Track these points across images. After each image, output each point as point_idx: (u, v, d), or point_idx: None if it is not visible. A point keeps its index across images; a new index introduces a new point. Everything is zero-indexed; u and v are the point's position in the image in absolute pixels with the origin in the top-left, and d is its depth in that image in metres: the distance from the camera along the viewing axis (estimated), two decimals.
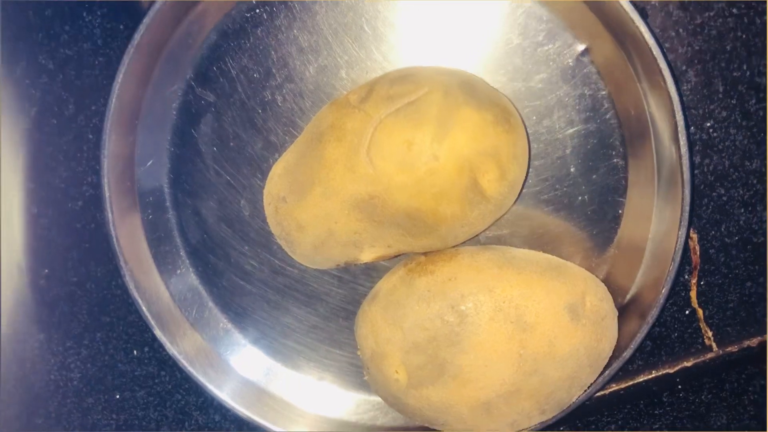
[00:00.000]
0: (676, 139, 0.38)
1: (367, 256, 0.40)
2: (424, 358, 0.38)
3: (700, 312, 0.45)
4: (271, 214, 0.40)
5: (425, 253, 0.40)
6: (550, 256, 0.41)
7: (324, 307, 0.45)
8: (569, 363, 0.38)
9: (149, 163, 0.44)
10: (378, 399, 0.45)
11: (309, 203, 0.38)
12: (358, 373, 0.46)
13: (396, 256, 0.41)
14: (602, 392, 0.46)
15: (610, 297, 0.40)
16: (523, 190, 0.42)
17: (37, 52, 0.44)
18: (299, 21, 0.42)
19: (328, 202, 0.37)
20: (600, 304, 0.39)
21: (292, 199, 0.38)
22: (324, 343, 0.46)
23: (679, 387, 0.46)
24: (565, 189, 0.42)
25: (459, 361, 0.38)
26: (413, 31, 0.41)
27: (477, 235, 0.41)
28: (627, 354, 0.41)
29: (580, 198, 0.42)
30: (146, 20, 0.39)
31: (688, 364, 0.45)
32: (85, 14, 0.43)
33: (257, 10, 0.42)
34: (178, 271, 0.45)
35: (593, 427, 0.47)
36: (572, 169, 0.42)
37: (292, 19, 0.42)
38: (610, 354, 0.40)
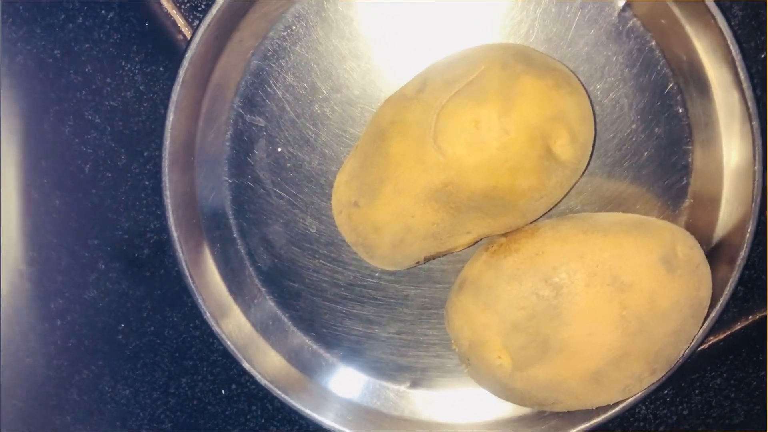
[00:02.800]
0: (735, 74, 0.38)
1: (446, 246, 0.39)
2: (526, 338, 0.37)
3: None
4: (344, 222, 0.40)
5: (504, 235, 0.39)
6: (630, 214, 0.40)
7: (405, 311, 0.45)
8: (673, 316, 0.37)
9: (211, 198, 0.44)
10: (480, 393, 0.44)
11: (382, 203, 0.38)
12: (451, 372, 0.45)
13: (475, 243, 0.40)
14: (702, 347, 0.45)
15: (698, 244, 0.39)
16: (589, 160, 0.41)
17: (83, 108, 0.44)
18: (336, 30, 0.42)
19: (402, 198, 0.37)
20: (691, 252, 0.38)
21: (364, 201, 0.38)
22: (411, 348, 0.45)
23: None
24: (629, 147, 0.42)
25: (562, 334, 0.37)
26: (449, 17, 0.41)
27: (552, 209, 0.40)
28: (723, 301, 0.41)
29: (645, 154, 0.42)
30: (188, 55, 0.40)
31: None
32: (123, 63, 0.44)
33: (293, 27, 0.42)
34: (255, 300, 0.45)
35: (698, 384, 0.46)
36: (633, 126, 0.42)
37: (328, 29, 0.42)
38: (709, 302, 0.39)
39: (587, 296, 0.37)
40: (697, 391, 0.46)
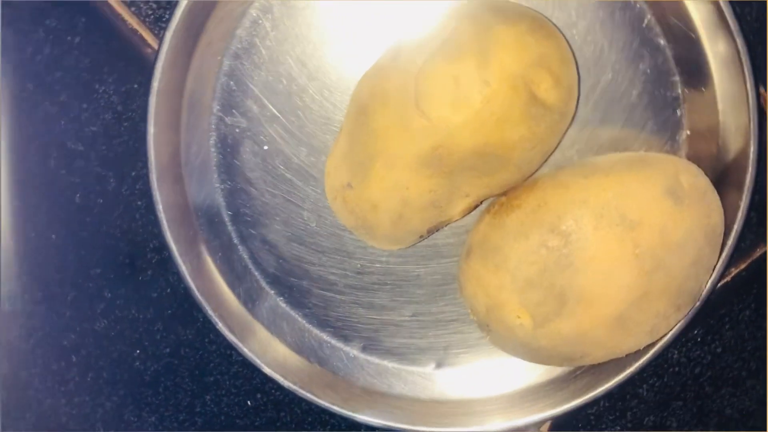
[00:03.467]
0: None
1: (447, 215, 0.38)
2: (542, 292, 0.36)
3: None
4: (341, 207, 0.39)
5: (504, 194, 0.39)
6: (628, 153, 0.39)
7: (418, 292, 0.44)
8: (687, 247, 0.36)
9: (205, 207, 0.43)
10: (506, 363, 0.43)
11: (375, 179, 0.37)
12: (473, 347, 0.44)
13: (476, 207, 0.39)
14: (725, 280, 0.44)
15: (702, 172, 0.38)
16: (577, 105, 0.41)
17: (64, 138, 0.44)
18: (303, 17, 0.41)
19: (394, 171, 0.36)
20: (696, 180, 0.37)
21: (357, 181, 0.38)
22: (430, 328, 0.44)
23: None
24: (616, 88, 0.41)
25: (578, 283, 0.36)
26: None
27: (549, 159, 0.39)
28: (738, 227, 0.40)
29: (634, 92, 0.41)
30: (158, 65, 0.39)
31: None
32: (97, 86, 0.43)
33: (260, 22, 0.41)
34: (266, 304, 0.44)
35: (727, 319, 0.45)
36: (617, 67, 0.41)
37: (295, 18, 0.41)
38: (723, 228, 0.38)
39: (597, 240, 0.36)
40: (727, 326, 0.45)
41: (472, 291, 0.38)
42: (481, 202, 0.39)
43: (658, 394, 0.46)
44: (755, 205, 0.43)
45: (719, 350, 0.45)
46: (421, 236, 0.40)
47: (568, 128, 0.38)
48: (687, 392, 0.46)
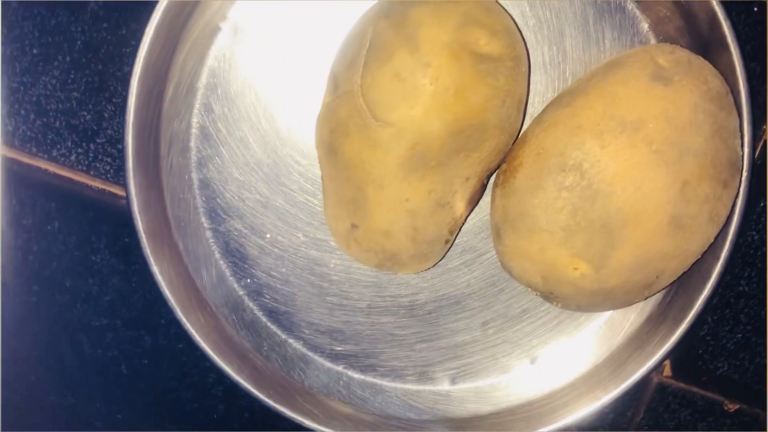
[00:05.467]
0: None
1: (458, 208, 0.37)
2: (585, 233, 0.34)
3: None
4: (357, 250, 0.38)
5: (503, 161, 0.37)
6: (598, 65, 0.38)
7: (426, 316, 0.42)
8: (700, 120, 0.34)
9: (198, 261, 0.42)
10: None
11: (374, 207, 0.36)
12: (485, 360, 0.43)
13: (484, 188, 0.38)
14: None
15: (677, 46, 0.37)
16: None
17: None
18: (242, 100, 0.41)
19: (387, 190, 0.35)
20: (674, 55, 0.35)
21: (358, 218, 0.36)
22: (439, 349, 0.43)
23: None
24: (561, 18, 0.40)
25: (614, 206, 0.34)
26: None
27: (527, 112, 0.38)
28: (743, 81, 0.37)
29: (579, 11, 0.40)
30: (134, 209, 0.39)
31: None
32: (93, 257, 0.43)
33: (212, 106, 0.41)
34: (277, 348, 0.42)
35: None
36: None
37: (235, 101, 0.41)
38: (727, 88, 0.36)
39: (610, 157, 0.34)
40: None
41: (520, 267, 0.36)
42: (487, 181, 0.38)
43: (760, 283, 0.43)
44: (753, 55, 0.41)
45: None
46: (447, 241, 0.38)
47: (529, 70, 0.37)
48: None
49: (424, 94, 0.33)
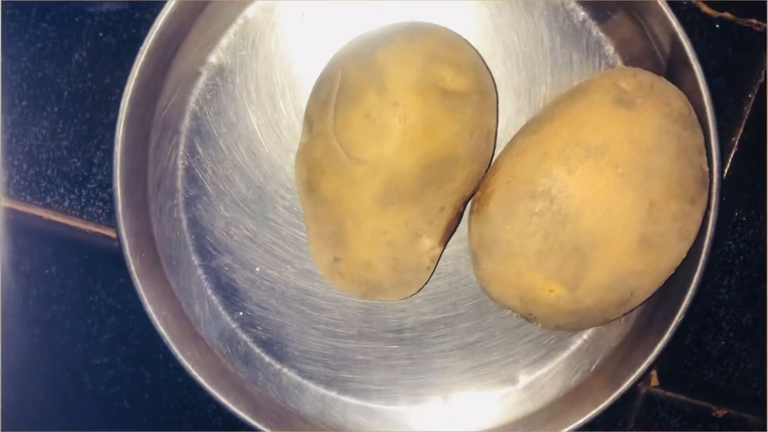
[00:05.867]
0: None
1: (436, 236, 0.38)
2: (558, 256, 0.35)
3: None
4: (341, 282, 0.39)
5: (477, 189, 0.38)
6: (563, 92, 0.39)
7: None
8: (664, 141, 0.35)
9: (191, 297, 0.43)
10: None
11: (353, 240, 0.37)
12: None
13: (461, 216, 0.39)
14: (733, 151, 0.42)
15: (640, 69, 0.38)
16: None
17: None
18: (224, 140, 0.42)
19: (365, 224, 0.36)
20: (636, 78, 0.37)
21: (340, 252, 0.38)
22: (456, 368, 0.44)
23: None
24: (526, 45, 0.41)
25: (584, 229, 0.35)
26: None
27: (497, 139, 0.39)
28: (705, 93, 0.38)
29: (545, 38, 0.41)
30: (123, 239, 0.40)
31: None
32: (91, 298, 0.45)
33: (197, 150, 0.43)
34: (272, 378, 0.44)
35: (758, 185, 0.43)
36: (515, 24, 0.41)
37: (217, 143, 0.42)
38: (690, 107, 0.37)
39: (577, 182, 0.35)
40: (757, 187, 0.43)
41: (498, 291, 0.38)
42: (463, 209, 0.39)
43: (740, 290, 0.44)
44: (718, 70, 0.42)
45: None
46: (428, 268, 0.39)
47: (497, 100, 0.38)
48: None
49: (394, 132, 0.35)
